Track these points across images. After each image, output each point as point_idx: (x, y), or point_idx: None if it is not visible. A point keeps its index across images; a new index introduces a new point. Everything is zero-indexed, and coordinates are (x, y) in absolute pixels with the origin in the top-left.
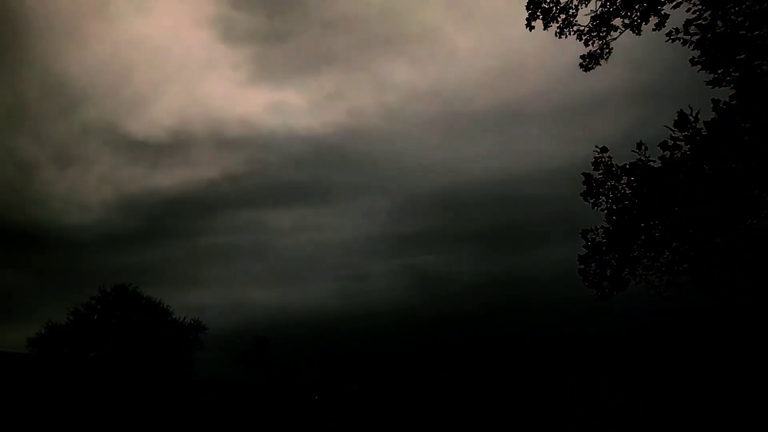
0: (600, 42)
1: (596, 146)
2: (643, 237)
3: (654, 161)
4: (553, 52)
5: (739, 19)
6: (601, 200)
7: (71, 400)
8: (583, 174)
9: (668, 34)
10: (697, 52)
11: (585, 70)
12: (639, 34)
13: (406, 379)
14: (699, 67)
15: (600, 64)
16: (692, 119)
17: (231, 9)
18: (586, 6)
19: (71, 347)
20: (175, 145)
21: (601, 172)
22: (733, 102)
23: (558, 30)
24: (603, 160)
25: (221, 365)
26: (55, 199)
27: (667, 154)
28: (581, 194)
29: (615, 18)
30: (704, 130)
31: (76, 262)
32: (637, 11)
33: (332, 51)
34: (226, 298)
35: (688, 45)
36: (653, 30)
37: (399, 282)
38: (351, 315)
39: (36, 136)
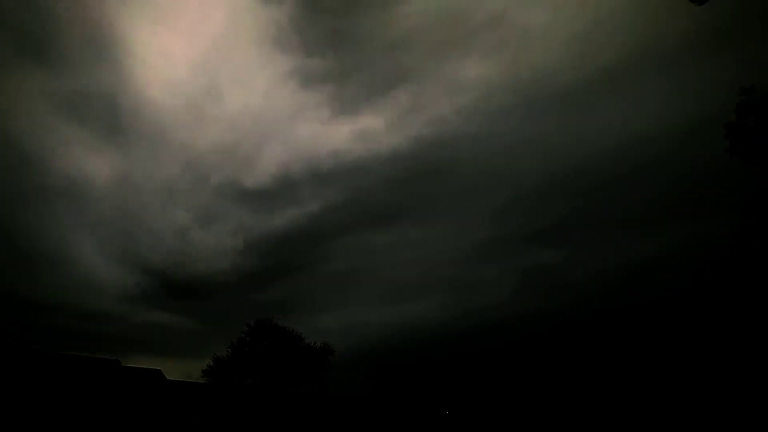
0: None
1: (741, 88)
2: None
3: None
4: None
5: None
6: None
7: (239, 420)
8: (726, 126)
9: None
10: None
11: (698, 4)
12: None
13: (535, 387)
14: None
15: None
16: None
17: (305, 58)
18: None
19: (233, 375)
20: (281, 189)
21: (753, 117)
22: None
23: None
24: (752, 102)
25: (348, 383)
26: (203, 253)
27: None
28: (727, 150)
29: None
30: None
31: (226, 303)
32: None
33: (401, 68)
34: (345, 320)
35: None
36: None
37: (517, 284)
38: (469, 325)
39: (184, 205)
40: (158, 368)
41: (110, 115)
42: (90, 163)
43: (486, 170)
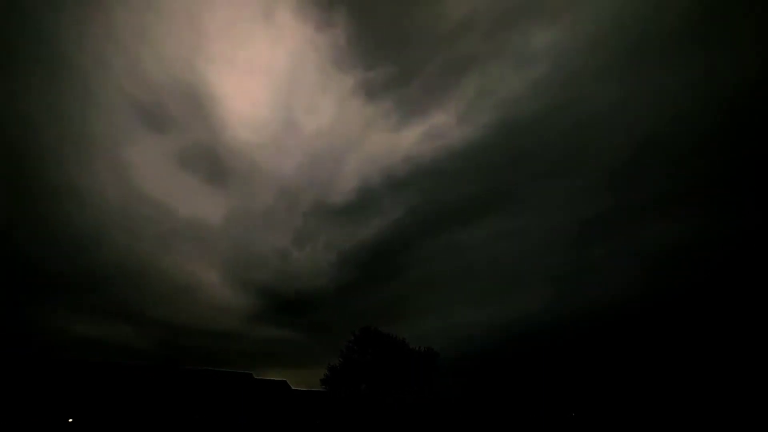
0: None
1: None
2: None
3: None
4: None
5: None
6: None
7: (356, 425)
8: None
9: None
10: None
11: None
12: None
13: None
14: None
15: None
16: None
17: (366, 72)
18: None
19: (346, 383)
20: (364, 201)
21: None
22: None
23: None
24: None
25: (455, 385)
26: (303, 271)
27: None
28: None
29: None
30: None
31: (329, 315)
32: None
33: (462, 56)
34: (447, 322)
35: None
36: None
37: (636, 267)
38: (578, 315)
39: (281, 229)
40: (284, 379)
41: (212, 162)
42: (204, 204)
43: (571, 145)
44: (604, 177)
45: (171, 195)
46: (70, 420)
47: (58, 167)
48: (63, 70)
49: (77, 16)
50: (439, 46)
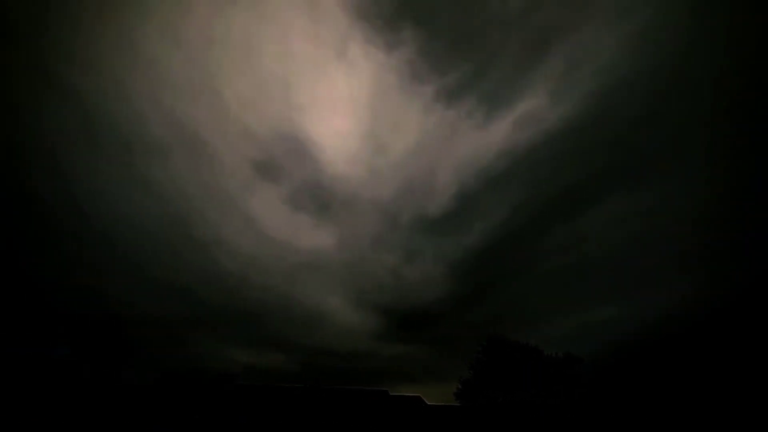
0: None
1: None
2: None
3: None
4: None
5: None
6: None
7: None
8: None
9: None
10: None
11: None
12: None
13: None
14: None
15: None
16: None
17: (441, 78)
18: None
19: (481, 395)
20: (464, 206)
21: None
22: None
23: None
24: None
25: (594, 391)
26: (416, 286)
27: None
28: None
29: None
30: None
31: (451, 327)
32: None
33: (542, 30)
34: (580, 321)
35: None
36: None
37: None
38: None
39: (388, 248)
40: (418, 395)
41: (318, 198)
42: (317, 237)
43: (699, 103)
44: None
45: (290, 234)
46: None
47: (206, 225)
48: (201, 149)
49: (202, 103)
50: (510, 28)
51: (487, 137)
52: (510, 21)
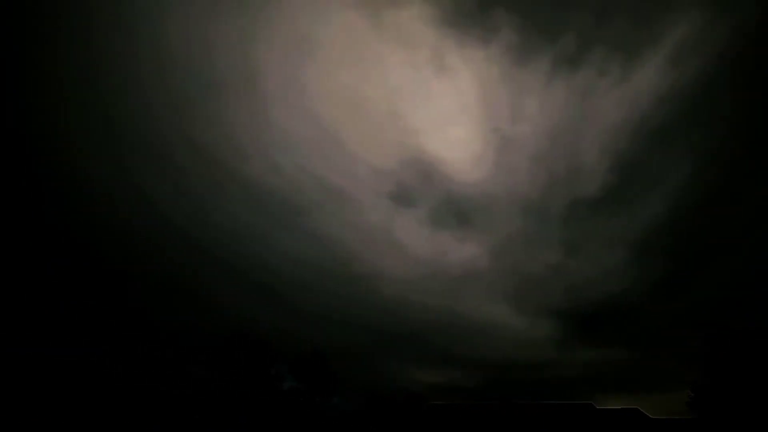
0: None
1: None
2: None
3: None
4: None
5: None
6: None
7: None
8: None
9: None
10: None
11: None
12: None
13: None
14: None
15: None
16: None
17: (551, 47)
18: None
19: (726, 404)
20: (626, 176)
21: None
22: None
23: None
24: None
25: None
26: (590, 280)
27: None
28: None
29: None
30: None
31: (649, 320)
32: None
33: None
34: None
35: None
36: None
37: None
38: None
39: (545, 246)
40: (635, 407)
41: (455, 212)
42: (466, 250)
43: None
44: None
45: (438, 252)
46: None
47: (363, 261)
48: (341, 197)
49: (332, 157)
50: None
51: (631, 89)
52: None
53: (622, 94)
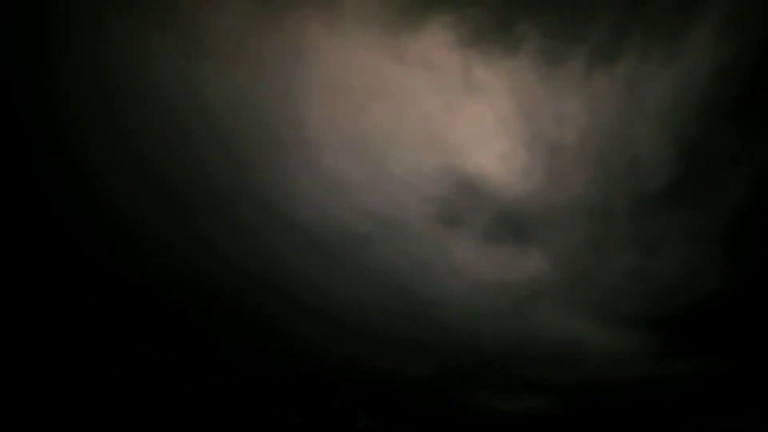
0: None
1: None
2: None
3: None
4: None
5: None
6: None
7: None
8: None
9: None
10: None
11: None
12: None
13: None
14: None
15: None
16: None
17: (582, 42)
18: None
19: None
20: (695, 160)
21: None
22: None
23: None
24: None
25: None
26: (673, 280)
27: None
28: None
29: None
30: None
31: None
32: None
33: None
34: None
35: None
36: None
37: None
38: None
39: (615, 249)
40: None
41: (511, 225)
42: (528, 263)
43: None
44: None
45: (498, 270)
46: None
47: (424, 288)
48: (394, 226)
49: (380, 186)
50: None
51: (682, 69)
52: None
53: (672, 75)
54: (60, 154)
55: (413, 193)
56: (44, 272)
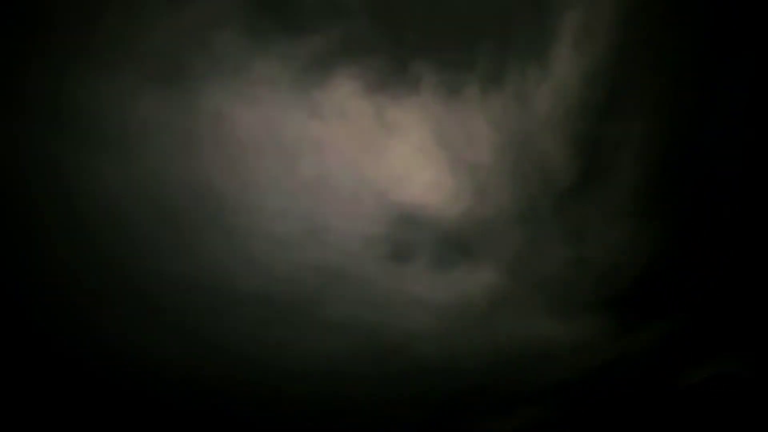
0: None
1: None
2: None
3: None
4: None
5: None
6: None
7: None
8: None
9: None
10: None
11: None
12: None
13: None
14: None
15: None
16: None
17: (468, 71)
18: None
19: None
20: (587, 155)
21: None
22: None
23: None
24: None
25: None
26: (609, 258)
27: None
28: None
29: None
30: None
31: None
32: None
33: None
34: None
35: None
36: None
37: None
38: None
39: (551, 241)
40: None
41: (456, 247)
42: (483, 276)
43: None
44: None
45: (457, 291)
46: None
47: (391, 331)
48: (344, 280)
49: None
50: None
51: (556, 81)
52: None
53: (548, 87)
54: None
55: (356, 238)
56: None
